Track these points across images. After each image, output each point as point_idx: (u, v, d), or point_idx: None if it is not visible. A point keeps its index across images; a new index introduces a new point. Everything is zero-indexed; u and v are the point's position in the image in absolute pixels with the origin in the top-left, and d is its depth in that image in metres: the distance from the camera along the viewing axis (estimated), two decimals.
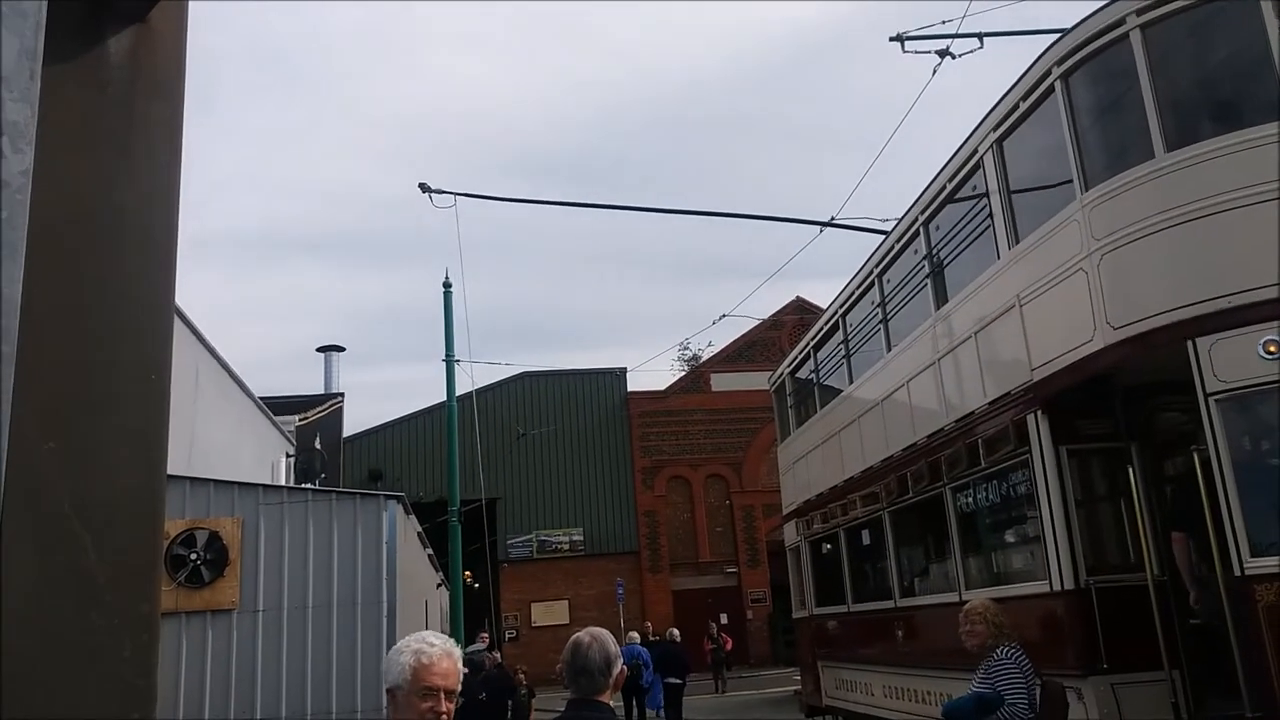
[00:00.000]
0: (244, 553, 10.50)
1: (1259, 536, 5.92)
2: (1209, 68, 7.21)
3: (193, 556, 10.34)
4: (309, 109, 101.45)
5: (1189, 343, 6.21)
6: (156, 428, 1.63)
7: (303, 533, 10.70)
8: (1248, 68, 6.71)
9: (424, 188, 15.32)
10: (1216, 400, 6.08)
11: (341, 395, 30.77)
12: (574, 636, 3.11)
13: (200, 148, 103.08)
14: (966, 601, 9.05)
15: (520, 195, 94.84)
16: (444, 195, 15.18)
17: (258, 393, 19.91)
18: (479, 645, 16.57)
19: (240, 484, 11.19)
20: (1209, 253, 6.33)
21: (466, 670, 3.20)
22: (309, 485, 19.31)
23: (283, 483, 19.58)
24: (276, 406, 22.11)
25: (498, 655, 16.73)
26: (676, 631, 20.53)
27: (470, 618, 23.81)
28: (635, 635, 20.17)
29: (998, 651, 5.63)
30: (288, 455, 22.34)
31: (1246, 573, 5.86)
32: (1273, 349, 5.91)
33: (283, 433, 22.04)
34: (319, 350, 34.45)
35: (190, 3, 1.96)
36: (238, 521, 10.57)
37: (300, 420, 23.99)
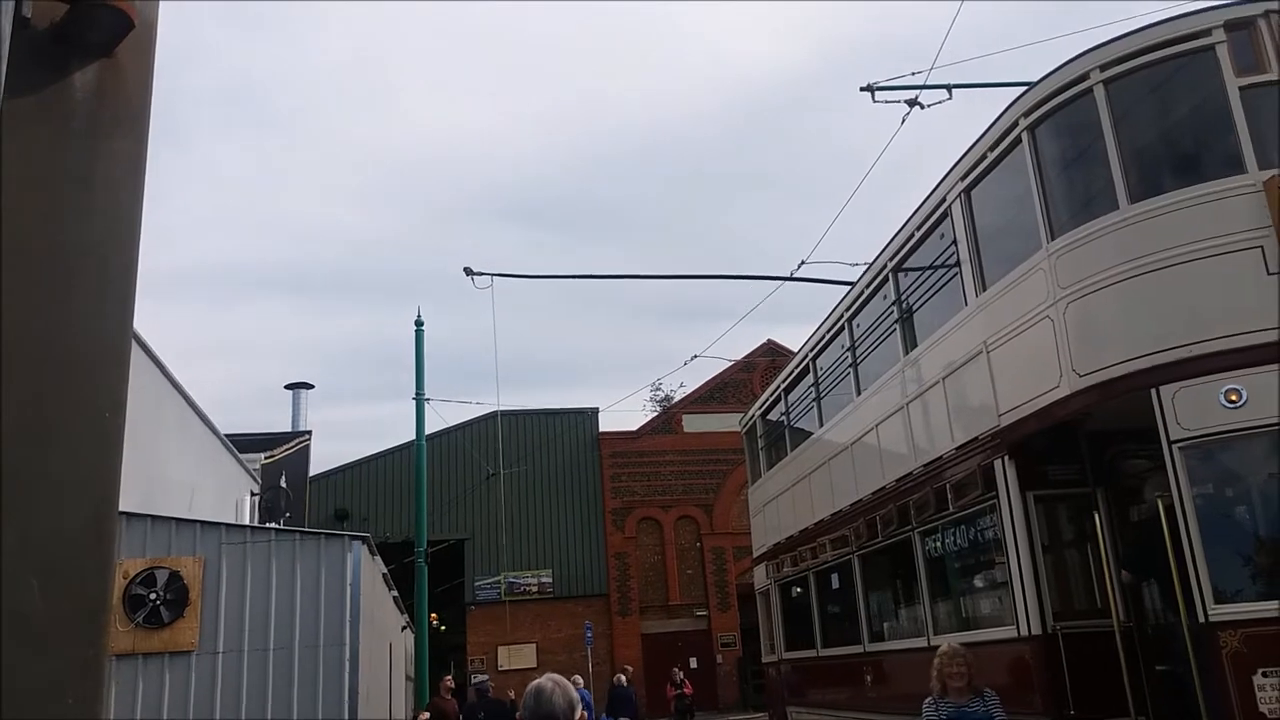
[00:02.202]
0: (205, 593, 10.31)
1: (1222, 583, 5.97)
2: (1170, 122, 7.38)
3: (152, 596, 10.14)
4: (284, 148, 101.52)
5: (1153, 391, 6.29)
6: (109, 467, 1.60)
7: (265, 573, 10.52)
8: (1207, 122, 6.88)
9: (468, 271, 16.01)
10: (1180, 448, 6.15)
11: (309, 433, 30.48)
12: (535, 683, 3.11)
13: (174, 184, 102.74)
14: (936, 646, 9.07)
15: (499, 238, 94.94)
16: (483, 276, 15.85)
17: (224, 430, 19.67)
18: (483, 676, 17.33)
19: (203, 522, 11.00)
20: (1172, 302, 6.43)
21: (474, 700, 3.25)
22: (273, 524, 19.02)
23: (247, 521, 19.28)
24: (242, 444, 21.83)
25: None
26: (623, 677, 20.53)
27: (435, 661, 23.46)
28: (579, 679, 20.36)
29: (987, 692, 6.05)
30: (252, 494, 22.03)
31: (1211, 619, 5.90)
32: (1234, 398, 6.00)
33: (248, 471, 21.75)
34: (287, 387, 34.20)
35: (161, 40, 1.95)
36: (199, 561, 10.39)
37: (266, 458, 23.68)
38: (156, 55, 1.91)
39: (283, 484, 23.86)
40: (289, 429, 31.42)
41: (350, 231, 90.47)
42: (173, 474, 15.10)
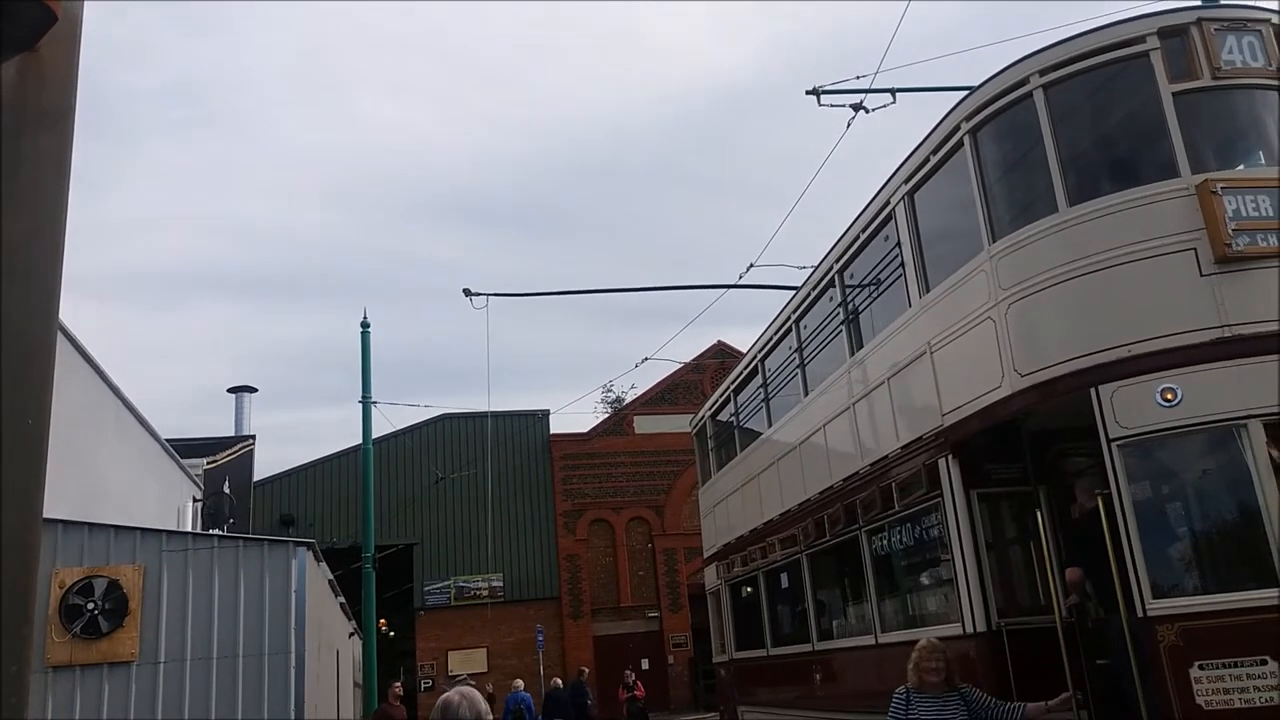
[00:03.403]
0: (145, 602, 10.08)
1: (1160, 578, 6.10)
2: (1108, 126, 7.54)
3: (90, 606, 9.88)
4: (230, 148, 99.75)
5: (1092, 390, 6.41)
6: (31, 475, 1.54)
7: (208, 581, 10.32)
8: (1143, 127, 7.03)
9: (467, 292, 16.06)
10: (1118, 446, 6.28)
11: (253, 438, 29.93)
12: (443, 696, 3.17)
13: (117, 183, 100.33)
14: (884, 644, 9.17)
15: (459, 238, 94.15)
16: (480, 296, 15.92)
17: (165, 435, 19.25)
18: (464, 674, 17.37)
19: (143, 530, 10.76)
20: (1109, 303, 6.56)
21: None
22: (216, 531, 18.67)
23: (189, 528, 18.90)
24: (184, 449, 21.38)
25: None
26: (559, 681, 20.67)
27: (384, 667, 23.19)
28: (519, 682, 21.04)
29: (964, 685, 6.16)
30: (195, 500, 21.60)
31: (1149, 614, 6.02)
32: (1169, 397, 6.13)
33: (190, 476, 21.33)
34: (230, 391, 33.55)
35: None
36: (139, 569, 10.15)
37: (209, 463, 23.22)
38: (88, 52, 1.86)
39: (226, 490, 23.43)
40: (232, 433, 30.82)
41: (297, 232, 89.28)
42: (111, 480, 14.74)
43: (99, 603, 9.91)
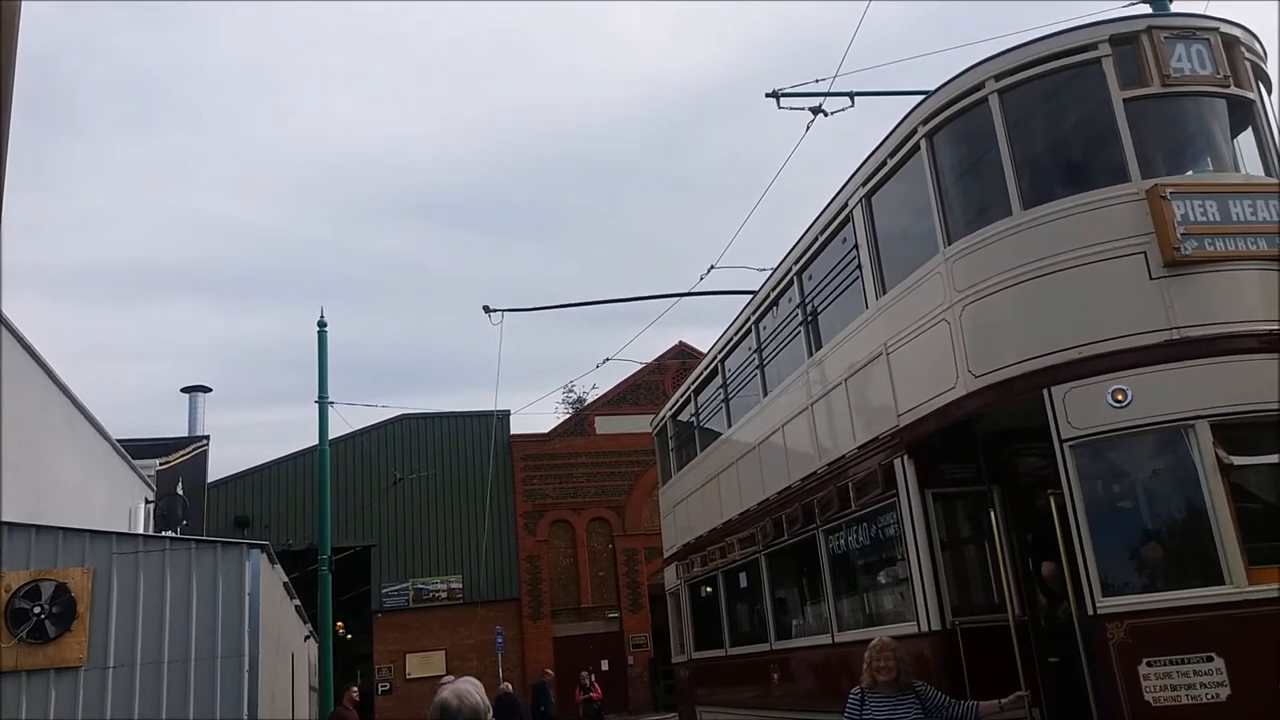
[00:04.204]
0: (94, 606, 9.87)
1: (1110, 576, 6.20)
2: (1061, 131, 7.65)
3: (36, 610, 9.66)
4: (186, 144, 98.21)
5: (1045, 391, 6.50)
6: None
7: (159, 583, 10.13)
8: (1095, 132, 7.14)
9: (487, 309, 16.05)
10: (1070, 446, 6.37)
11: (207, 438, 29.44)
12: (440, 698, 3.06)
13: (71, 179, 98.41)
14: (841, 643, 9.24)
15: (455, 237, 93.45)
16: (497, 312, 15.99)
17: (117, 435, 18.88)
18: (449, 679, 17.21)
19: (92, 532, 10.52)
20: (1062, 306, 6.66)
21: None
22: (169, 533, 18.35)
23: (140, 530, 18.56)
24: (136, 449, 20.97)
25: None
26: (509, 685, 20.55)
27: (341, 670, 22.95)
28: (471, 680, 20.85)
29: (918, 683, 6.23)
30: (147, 501, 21.20)
31: (1099, 612, 6.12)
32: (1120, 398, 6.24)
33: (142, 477, 20.93)
34: (184, 390, 33.00)
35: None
36: (88, 572, 9.94)
37: (162, 464, 22.80)
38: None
39: (179, 491, 23.03)
40: (186, 434, 30.32)
41: (255, 230, 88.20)
42: (60, 482, 14.43)
43: (46, 607, 9.69)
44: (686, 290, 15.44)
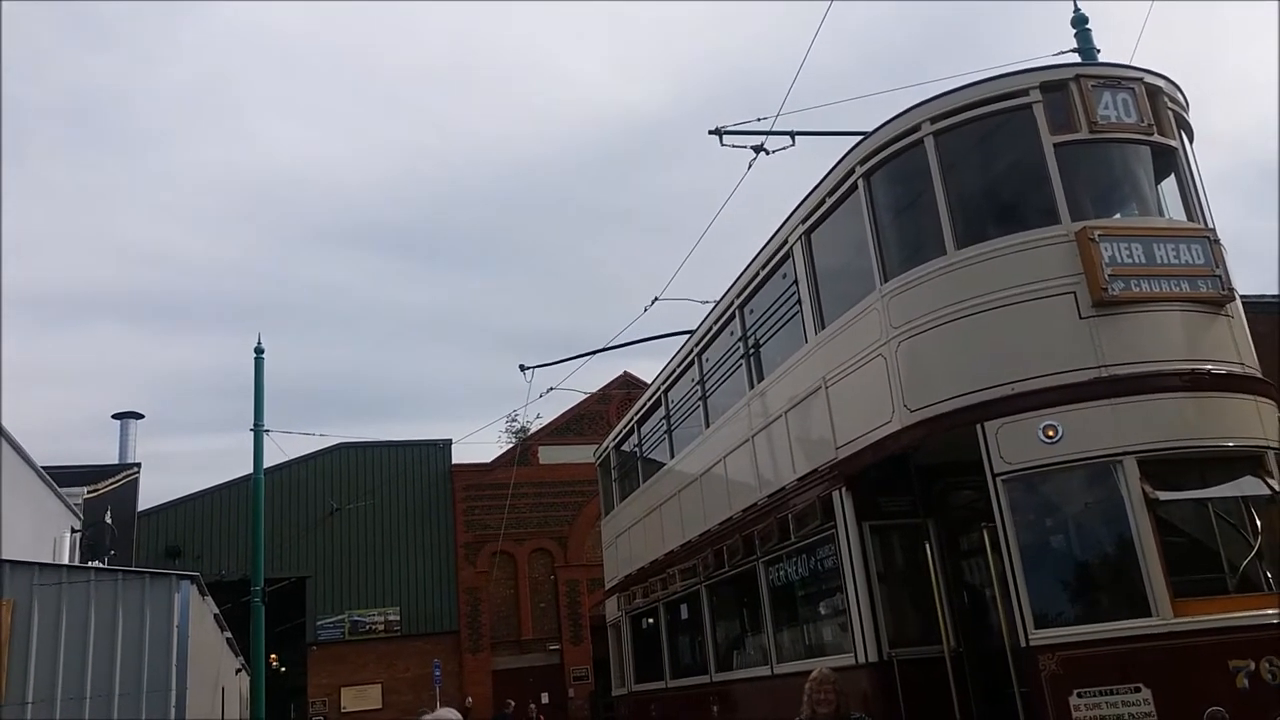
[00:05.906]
0: (14, 639, 9.55)
1: (1042, 608, 6.32)
2: (994, 173, 7.87)
3: None
4: (121, 167, 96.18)
5: (978, 426, 6.64)
6: None
7: (83, 616, 9.84)
8: (1026, 175, 7.36)
9: (522, 368, 17.40)
10: (1003, 480, 6.51)
11: (138, 466, 28.68)
12: None
13: (4, 201, 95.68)
14: (779, 674, 9.26)
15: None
16: (529, 369, 17.51)
17: (43, 462, 18.31)
18: (426, 712, 16.82)
19: (13, 562, 10.20)
20: (994, 343, 6.82)
21: None
22: (95, 564, 17.81)
23: (65, 560, 17.97)
24: (62, 477, 20.35)
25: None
26: (447, 711, 20.26)
27: (274, 704, 22.37)
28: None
29: (857, 715, 6.04)
30: (73, 530, 20.55)
31: (1031, 643, 6.23)
32: (1051, 433, 6.40)
33: (68, 505, 20.30)
34: (114, 417, 32.14)
35: None
36: (8, 604, 9.64)
37: (89, 492, 22.14)
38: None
39: (108, 519, 22.38)
40: (116, 461, 29.50)
41: (190, 255, 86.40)
42: None
43: None
44: (630, 321, 15.76)
